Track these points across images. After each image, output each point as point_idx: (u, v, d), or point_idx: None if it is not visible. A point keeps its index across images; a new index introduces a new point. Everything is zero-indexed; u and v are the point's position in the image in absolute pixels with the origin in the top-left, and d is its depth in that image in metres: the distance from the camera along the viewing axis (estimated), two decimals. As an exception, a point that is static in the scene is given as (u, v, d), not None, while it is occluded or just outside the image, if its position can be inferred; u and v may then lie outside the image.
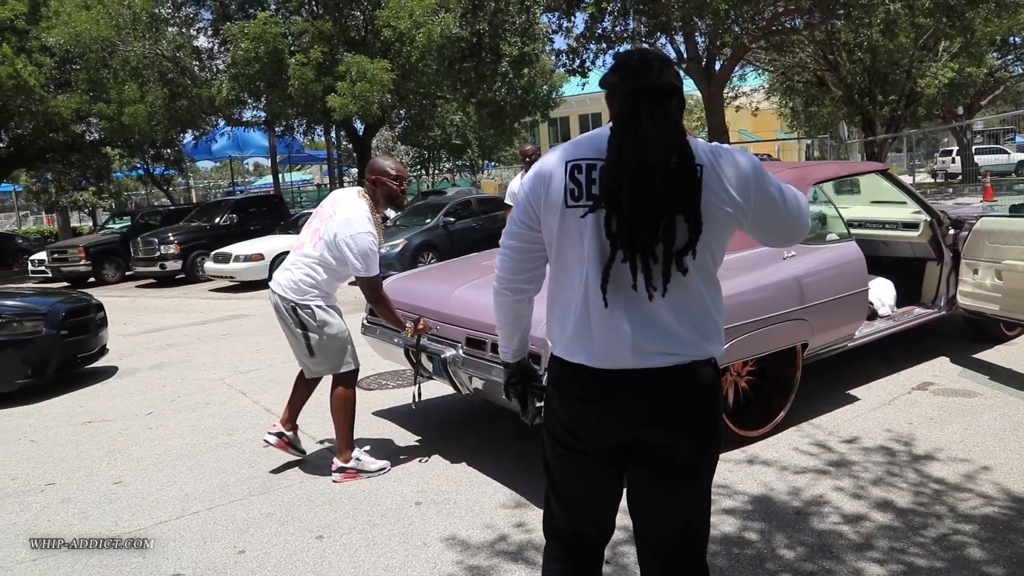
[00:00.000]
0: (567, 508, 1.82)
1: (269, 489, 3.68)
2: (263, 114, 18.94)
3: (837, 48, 18.40)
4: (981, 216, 4.66)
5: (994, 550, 2.68)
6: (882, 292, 4.85)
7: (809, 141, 25.40)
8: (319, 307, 3.61)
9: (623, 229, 1.53)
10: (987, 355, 4.98)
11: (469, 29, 13.02)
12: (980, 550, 2.68)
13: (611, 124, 1.62)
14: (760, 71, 23.90)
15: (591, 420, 1.68)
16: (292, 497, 3.56)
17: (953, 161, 27.79)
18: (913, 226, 4.99)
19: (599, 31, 13.84)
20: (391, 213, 15.91)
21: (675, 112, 1.59)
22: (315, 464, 3.95)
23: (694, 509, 1.73)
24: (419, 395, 3.96)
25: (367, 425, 4.42)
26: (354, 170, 23.08)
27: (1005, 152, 28.96)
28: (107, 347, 6.51)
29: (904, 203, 5.10)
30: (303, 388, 3.93)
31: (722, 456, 3.66)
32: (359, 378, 3.84)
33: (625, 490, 1.79)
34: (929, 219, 4.86)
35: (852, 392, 4.45)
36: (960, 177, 26.09)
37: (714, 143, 1.66)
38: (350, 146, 22.48)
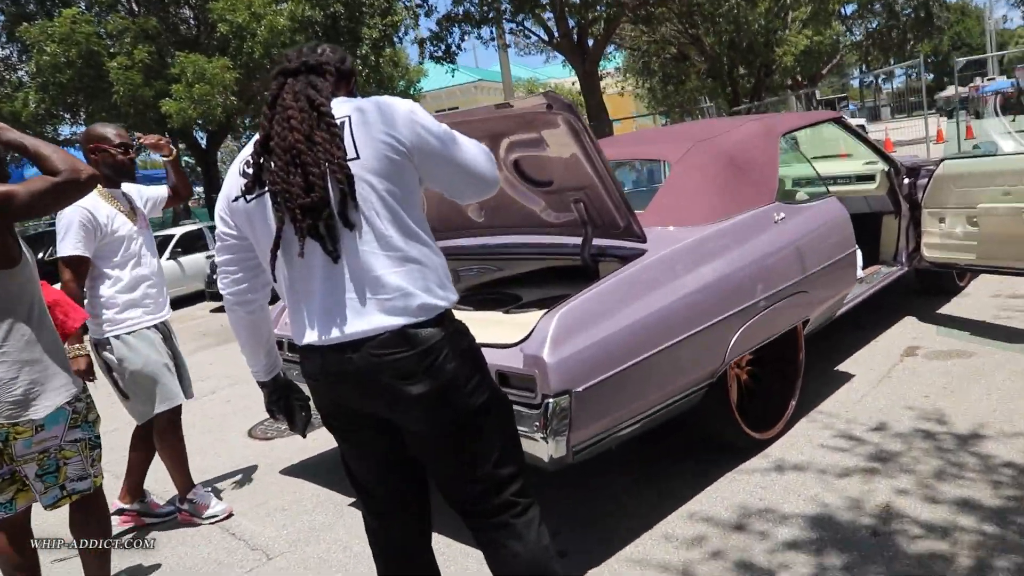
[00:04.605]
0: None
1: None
2: (84, 128, 16.54)
3: (700, 21, 18.61)
4: (943, 160, 4.31)
5: None
6: (849, 253, 4.41)
7: (664, 121, 25.99)
8: (115, 337, 2.97)
9: (285, 201, 1.54)
10: (951, 309, 4.68)
11: (323, 12, 11.74)
12: None
13: None
14: (621, 50, 23.95)
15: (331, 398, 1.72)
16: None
17: (799, 130, 29.43)
18: (869, 178, 4.59)
19: (460, 12, 13.02)
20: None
21: (322, 82, 1.62)
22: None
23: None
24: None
25: (276, 487, 3.39)
26: (199, 188, 20.66)
27: None
28: None
29: (850, 156, 4.70)
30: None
31: (745, 468, 3.00)
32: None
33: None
34: (887, 168, 4.47)
35: (840, 368, 3.95)
36: (805, 144, 27.63)
37: (374, 97, 1.62)
38: (192, 160, 20.15)
